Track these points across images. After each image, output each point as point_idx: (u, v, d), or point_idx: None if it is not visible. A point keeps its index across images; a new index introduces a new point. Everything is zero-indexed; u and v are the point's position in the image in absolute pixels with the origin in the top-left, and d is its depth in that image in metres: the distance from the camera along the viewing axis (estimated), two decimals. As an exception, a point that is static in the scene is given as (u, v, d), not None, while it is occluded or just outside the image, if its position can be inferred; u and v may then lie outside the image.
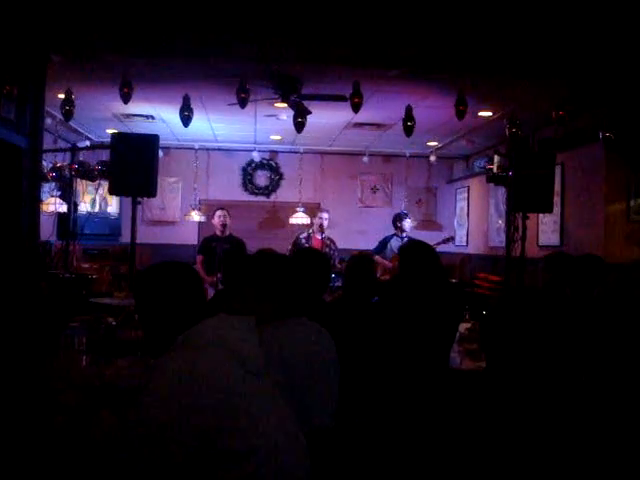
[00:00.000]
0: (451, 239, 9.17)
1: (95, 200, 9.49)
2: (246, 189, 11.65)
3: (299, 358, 2.66)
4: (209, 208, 10.52)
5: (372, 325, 3.79)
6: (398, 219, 9.16)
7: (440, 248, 8.38)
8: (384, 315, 3.90)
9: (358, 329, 3.71)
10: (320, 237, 8.39)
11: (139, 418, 1.93)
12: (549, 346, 1.99)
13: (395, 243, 8.94)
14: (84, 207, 9.16)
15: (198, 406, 1.88)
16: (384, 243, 9.08)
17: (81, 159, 7.28)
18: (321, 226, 8.44)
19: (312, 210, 10.57)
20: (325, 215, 8.57)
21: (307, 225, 9.83)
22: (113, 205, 10.74)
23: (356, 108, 6.26)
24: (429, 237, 8.56)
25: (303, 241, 8.49)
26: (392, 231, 9.26)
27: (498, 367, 2.06)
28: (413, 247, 4.24)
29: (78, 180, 7.44)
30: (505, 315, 2.02)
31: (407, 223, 9.09)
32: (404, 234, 8.98)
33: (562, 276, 4.11)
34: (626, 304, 3.93)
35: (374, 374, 3.64)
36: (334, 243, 8.56)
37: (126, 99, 6.16)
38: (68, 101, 6.46)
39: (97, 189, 8.45)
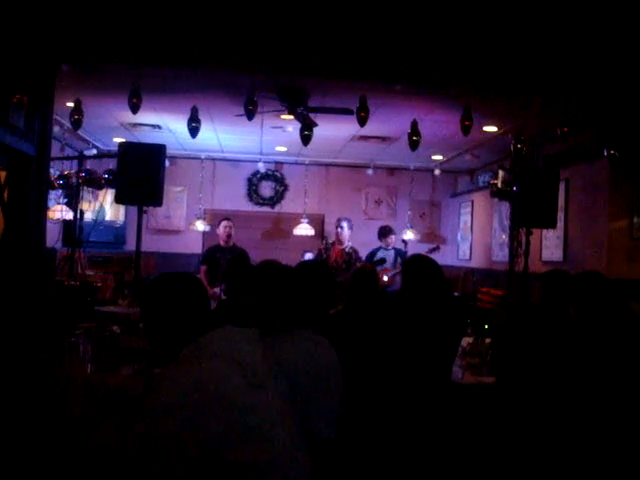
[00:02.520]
0: (437, 249, 9.07)
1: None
2: (251, 199, 11.69)
3: (302, 370, 2.68)
4: (214, 218, 10.57)
5: (375, 338, 3.81)
6: (383, 234, 9.09)
7: (443, 261, 8.39)
8: (387, 328, 3.92)
9: (361, 342, 3.73)
10: (340, 247, 8.37)
11: (144, 428, 1.95)
12: (562, 364, 2.01)
13: (381, 256, 8.90)
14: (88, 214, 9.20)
15: (203, 417, 1.90)
16: (371, 257, 9.04)
17: (88, 167, 7.32)
18: (337, 235, 8.42)
19: (316, 221, 10.61)
20: (344, 224, 8.51)
21: (312, 236, 9.83)
22: (109, 212, 10.72)
23: (362, 122, 6.31)
24: (425, 249, 8.59)
25: (324, 252, 8.48)
26: (397, 244, 9.25)
27: (509, 384, 2.08)
28: (416, 261, 4.25)
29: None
30: (518, 335, 2.04)
31: (392, 239, 9.03)
32: (390, 247, 8.94)
33: (562, 294, 4.12)
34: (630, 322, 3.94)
35: (377, 387, 3.65)
36: (356, 252, 8.48)
37: (135, 109, 6.20)
38: (77, 110, 6.51)
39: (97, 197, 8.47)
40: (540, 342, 2.04)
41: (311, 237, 10.90)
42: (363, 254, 8.95)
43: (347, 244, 8.39)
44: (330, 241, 8.65)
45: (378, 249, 9.05)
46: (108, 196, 8.61)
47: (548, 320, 2.08)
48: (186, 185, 11.39)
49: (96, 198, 8.39)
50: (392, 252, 8.84)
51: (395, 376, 3.74)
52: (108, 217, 10.23)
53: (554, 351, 2.04)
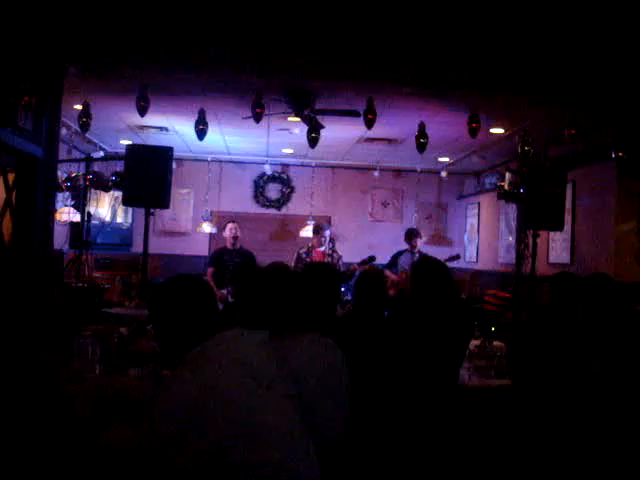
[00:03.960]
0: (457, 257, 9.09)
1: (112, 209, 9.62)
2: (257, 201, 11.71)
3: (310, 372, 2.68)
4: (220, 220, 10.58)
5: (383, 340, 3.81)
6: (408, 237, 9.12)
7: (449, 263, 8.37)
8: (395, 330, 3.91)
9: (369, 344, 3.73)
10: (322, 250, 8.41)
11: (152, 429, 1.95)
12: (572, 366, 2.00)
13: (404, 259, 8.93)
14: (102, 212, 9.35)
15: (211, 418, 1.90)
16: (395, 258, 9.08)
17: (95, 169, 7.34)
18: (318, 240, 8.47)
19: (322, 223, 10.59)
20: (327, 233, 8.56)
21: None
22: (122, 215, 10.88)
23: (370, 124, 6.30)
24: (439, 253, 8.54)
25: (304, 255, 8.51)
26: (402, 246, 9.26)
27: (525, 387, 2.07)
28: (425, 264, 4.25)
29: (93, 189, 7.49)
30: (531, 337, 2.03)
31: (418, 242, 9.05)
32: (415, 250, 8.98)
33: (570, 296, 4.12)
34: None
35: (384, 389, 3.65)
36: (337, 252, 8.57)
37: (142, 112, 6.21)
38: (85, 113, 6.52)
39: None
40: (551, 344, 2.03)
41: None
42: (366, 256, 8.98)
43: (326, 245, 8.44)
44: (310, 244, 8.67)
45: (403, 252, 9.07)
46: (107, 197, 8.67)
47: (557, 322, 2.08)
48: (193, 187, 11.40)
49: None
50: (417, 256, 8.83)
51: (402, 379, 3.74)
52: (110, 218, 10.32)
53: (564, 353, 2.03)
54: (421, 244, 9.17)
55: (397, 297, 7.75)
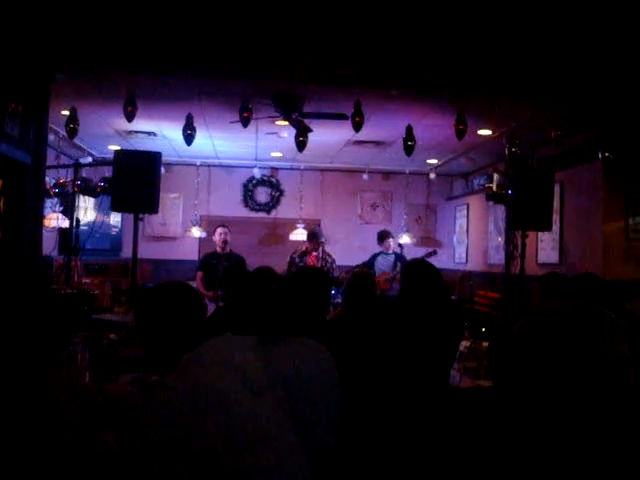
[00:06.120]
0: (434, 253, 9.09)
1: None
2: (247, 205, 11.71)
3: (300, 377, 2.68)
4: (210, 224, 10.57)
5: (373, 343, 3.82)
6: (380, 238, 9.14)
7: (439, 265, 8.35)
8: (385, 333, 3.92)
9: (359, 347, 3.74)
10: (315, 254, 8.40)
11: (143, 436, 1.95)
12: (558, 366, 2.01)
13: (381, 260, 8.96)
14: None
15: (202, 425, 1.90)
16: (371, 261, 9.10)
17: (84, 175, 7.31)
18: (313, 245, 8.46)
19: (312, 226, 10.59)
20: (323, 239, 8.56)
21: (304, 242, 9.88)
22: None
23: (357, 127, 6.31)
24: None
25: (297, 260, 8.50)
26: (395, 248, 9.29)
27: (507, 388, 2.07)
28: (415, 266, 4.27)
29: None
30: (514, 337, 2.04)
31: (389, 243, 9.07)
32: (389, 251, 9.01)
33: (559, 296, 4.14)
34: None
35: (375, 392, 3.65)
36: (330, 256, 8.56)
37: (130, 118, 6.21)
38: (72, 119, 6.51)
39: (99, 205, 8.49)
40: (535, 346, 2.04)
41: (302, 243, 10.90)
42: (361, 259, 8.98)
43: (320, 249, 8.45)
44: (302, 248, 8.66)
45: (379, 254, 9.09)
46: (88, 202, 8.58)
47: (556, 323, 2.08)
48: (182, 192, 11.39)
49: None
50: (392, 257, 8.90)
51: (393, 381, 3.75)
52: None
53: (550, 354, 2.04)
54: (395, 245, 9.21)
55: (378, 298, 7.74)
